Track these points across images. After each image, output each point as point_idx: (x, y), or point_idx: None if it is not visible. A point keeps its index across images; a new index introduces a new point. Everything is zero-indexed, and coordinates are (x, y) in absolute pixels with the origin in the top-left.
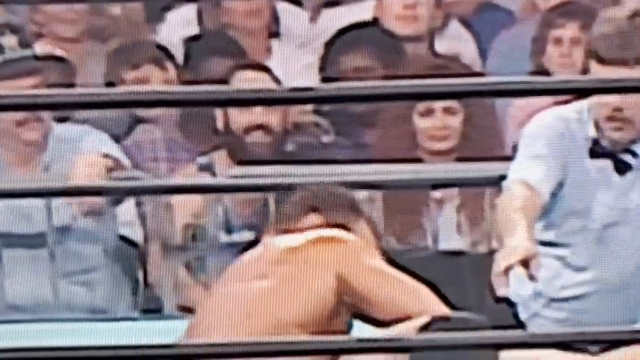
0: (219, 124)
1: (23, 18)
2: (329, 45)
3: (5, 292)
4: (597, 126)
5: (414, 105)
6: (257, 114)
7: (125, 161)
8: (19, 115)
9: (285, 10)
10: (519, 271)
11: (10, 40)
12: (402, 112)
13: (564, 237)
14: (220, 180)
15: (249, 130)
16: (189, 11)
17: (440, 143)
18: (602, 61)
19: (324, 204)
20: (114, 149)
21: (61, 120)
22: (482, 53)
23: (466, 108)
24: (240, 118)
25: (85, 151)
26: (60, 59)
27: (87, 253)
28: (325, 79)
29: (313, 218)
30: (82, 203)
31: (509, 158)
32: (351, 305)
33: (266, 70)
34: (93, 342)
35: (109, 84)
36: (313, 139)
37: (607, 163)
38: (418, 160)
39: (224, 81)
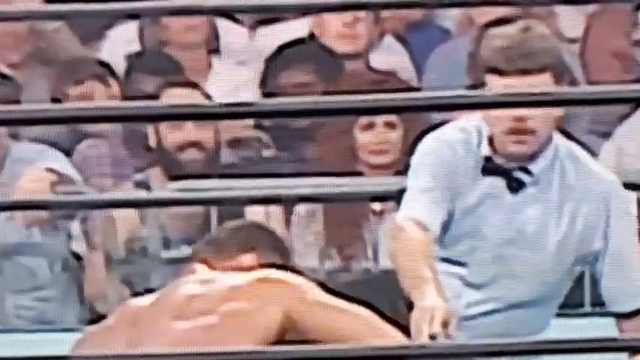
0: (152, 142)
1: None
2: (269, 61)
3: None
4: (492, 142)
5: (355, 120)
6: (189, 131)
7: (75, 176)
8: None
9: (224, 26)
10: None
11: None
12: (342, 127)
13: (460, 256)
14: (160, 194)
15: (182, 147)
16: (130, 28)
17: (380, 157)
18: (502, 73)
19: (261, 243)
20: (64, 165)
21: (15, 137)
22: (418, 68)
23: (405, 123)
24: (172, 136)
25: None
26: (5, 77)
27: (36, 268)
28: (266, 95)
29: (248, 257)
30: (26, 216)
31: None
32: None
33: (195, 86)
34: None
35: (55, 100)
36: (254, 154)
37: (499, 182)
38: (358, 174)
39: (156, 97)
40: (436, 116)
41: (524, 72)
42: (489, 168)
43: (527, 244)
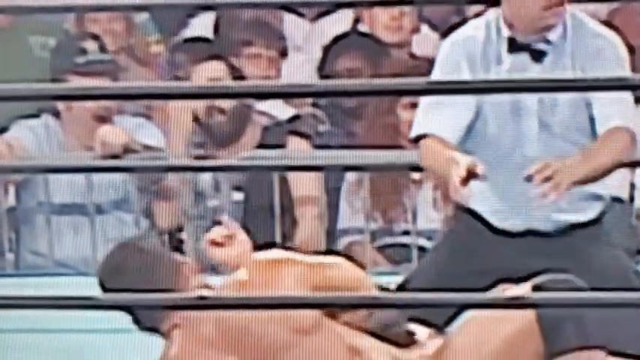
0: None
1: None
2: (326, 49)
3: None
4: (511, 26)
5: (397, 100)
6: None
7: (158, 146)
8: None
9: (290, 19)
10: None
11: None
12: (387, 106)
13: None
14: (230, 161)
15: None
16: (209, 17)
17: None
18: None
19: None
20: (150, 138)
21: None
22: None
23: None
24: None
25: None
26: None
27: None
28: (322, 77)
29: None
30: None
31: None
32: None
33: (223, 59)
34: None
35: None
36: (310, 129)
37: (523, 57)
38: (400, 147)
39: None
40: None
41: None
42: (515, 45)
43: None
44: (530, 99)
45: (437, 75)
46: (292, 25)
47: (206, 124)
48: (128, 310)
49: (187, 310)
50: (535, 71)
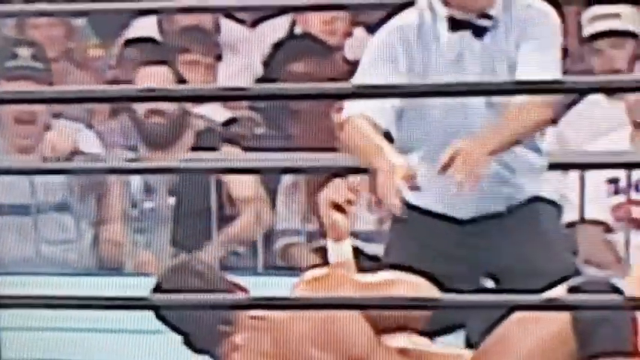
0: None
1: None
2: (270, 53)
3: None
4: (447, 3)
5: (332, 103)
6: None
7: (97, 152)
8: (17, 114)
9: (227, 25)
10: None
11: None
12: (322, 110)
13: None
14: (170, 163)
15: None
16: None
17: None
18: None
19: None
20: (90, 144)
21: (57, 115)
22: None
23: None
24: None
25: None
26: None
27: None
28: (260, 80)
29: None
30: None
31: None
32: None
33: (166, 64)
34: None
35: None
36: (247, 131)
37: (465, 34)
38: (335, 150)
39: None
40: None
41: None
42: (455, 23)
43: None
44: (472, 77)
45: (370, 60)
46: (230, 31)
47: (143, 127)
48: (180, 331)
49: (245, 310)
50: (477, 48)
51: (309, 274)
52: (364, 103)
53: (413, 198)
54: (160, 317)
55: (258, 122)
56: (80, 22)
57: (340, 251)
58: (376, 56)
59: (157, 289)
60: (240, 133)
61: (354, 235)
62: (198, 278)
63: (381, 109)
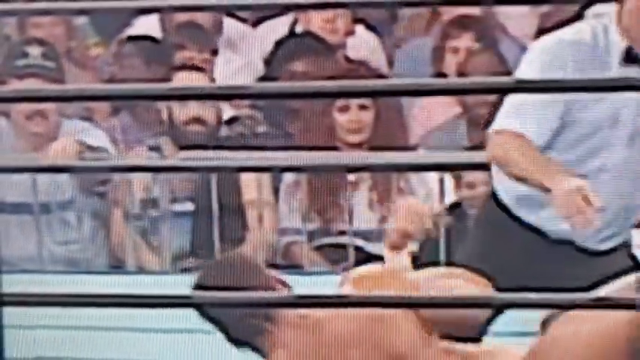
0: (164, 116)
1: None
2: (272, 51)
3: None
4: (629, 37)
5: (333, 102)
6: (193, 109)
7: (107, 149)
8: (27, 111)
9: (230, 24)
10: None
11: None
12: (323, 109)
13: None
14: (170, 162)
15: (187, 122)
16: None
17: (355, 135)
18: None
19: None
20: (98, 140)
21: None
22: (389, 59)
23: (376, 106)
24: (180, 112)
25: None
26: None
27: (70, 221)
28: (261, 79)
29: None
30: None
31: (412, 148)
32: None
33: (202, 70)
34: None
35: None
36: (248, 130)
37: (635, 69)
38: (336, 149)
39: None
40: (405, 101)
41: None
42: (631, 57)
43: None
44: (629, 110)
45: (536, 73)
46: (232, 29)
47: (178, 132)
48: (220, 325)
49: (284, 309)
50: None
51: (357, 272)
52: (523, 119)
53: (516, 208)
54: (202, 313)
55: (259, 121)
56: (81, 20)
57: (399, 260)
58: (545, 71)
59: (199, 285)
60: (242, 132)
61: (356, 233)
62: (242, 274)
63: (537, 128)
